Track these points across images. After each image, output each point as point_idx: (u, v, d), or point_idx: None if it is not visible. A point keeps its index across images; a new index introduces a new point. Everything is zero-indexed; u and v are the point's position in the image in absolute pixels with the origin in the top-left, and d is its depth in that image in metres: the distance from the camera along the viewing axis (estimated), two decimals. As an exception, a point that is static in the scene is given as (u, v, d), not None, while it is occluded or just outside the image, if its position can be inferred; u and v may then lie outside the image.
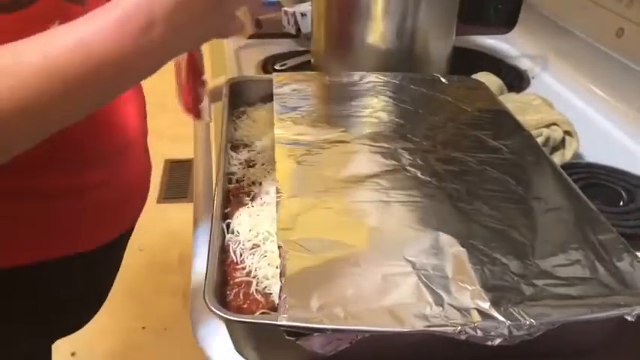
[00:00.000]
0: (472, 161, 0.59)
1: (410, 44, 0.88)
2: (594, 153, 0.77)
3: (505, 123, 0.68)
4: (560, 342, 0.44)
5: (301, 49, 1.07)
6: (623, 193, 0.69)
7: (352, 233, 0.47)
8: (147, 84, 0.53)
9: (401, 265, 0.44)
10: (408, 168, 0.56)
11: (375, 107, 0.70)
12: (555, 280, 0.44)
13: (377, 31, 0.87)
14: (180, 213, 2.08)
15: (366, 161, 0.57)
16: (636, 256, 0.47)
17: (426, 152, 0.60)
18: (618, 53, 0.88)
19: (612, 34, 0.87)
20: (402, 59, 0.87)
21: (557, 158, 0.72)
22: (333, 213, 0.49)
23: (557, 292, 0.43)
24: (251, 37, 1.08)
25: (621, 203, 0.68)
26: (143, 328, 1.64)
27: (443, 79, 0.79)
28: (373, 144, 0.60)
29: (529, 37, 1.15)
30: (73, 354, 1.48)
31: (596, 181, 0.71)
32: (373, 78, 0.78)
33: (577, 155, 0.75)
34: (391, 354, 0.44)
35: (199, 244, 0.56)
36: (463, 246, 0.46)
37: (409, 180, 0.54)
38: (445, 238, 0.46)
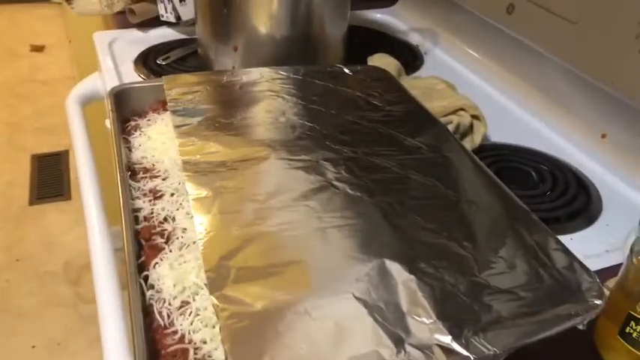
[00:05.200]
0: (395, 166, 0.56)
1: (305, 29, 0.83)
2: (495, 131, 0.77)
3: (418, 116, 0.66)
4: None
5: (183, 37, 0.98)
6: (533, 173, 0.71)
7: (293, 274, 0.42)
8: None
9: (352, 306, 0.40)
10: (335, 183, 0.52)
11: (282, 110, 0.64)
12: (506, 295, 0.43)
13: (268, 17, 0.81)
14: (59, 214, 1.91)
15: (289, 180, 0.52)
16: (574, 256, 0.47)
17: (349, 161, 0.56)
18: (509, 29, 0.88)
19: (503, 9, 0.88)
20: (297, 45, 0.83)
21: (468, 144, 0.72)
22: (266, 251, 0.44)
23: (510, 309, 0.42)
24: (124, 27, 0.97)
25: (535, 185, 0.69)
26: (33, 347, 1.50)
27: (346, 70, 0.75)
28: (292, 157, 0.55)
29: (414, 9, 1.14)
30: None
31: (505, 163, 0.72)
32: (273, 74, 0.73)
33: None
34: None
35: (105, 303, 0.47)
36: (411, 272, 0.43)
37: (339, 198, 0.50)
38: (391, 266, 0.43)
